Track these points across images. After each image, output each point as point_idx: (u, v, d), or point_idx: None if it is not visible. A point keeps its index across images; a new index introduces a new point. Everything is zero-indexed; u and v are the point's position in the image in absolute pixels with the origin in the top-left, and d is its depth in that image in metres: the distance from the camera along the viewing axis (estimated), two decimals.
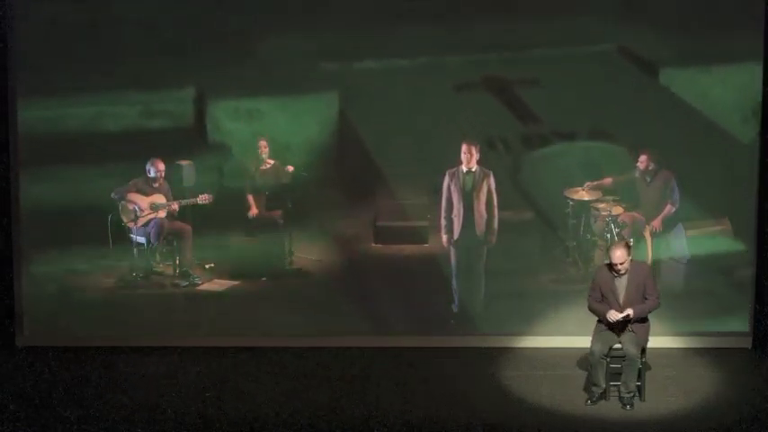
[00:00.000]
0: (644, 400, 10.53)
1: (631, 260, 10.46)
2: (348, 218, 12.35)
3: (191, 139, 12.21)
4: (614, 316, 10.31)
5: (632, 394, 10.44)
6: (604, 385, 10.49)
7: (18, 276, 12.11)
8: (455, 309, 12.11)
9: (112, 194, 12.15)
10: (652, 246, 12.07)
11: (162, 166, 12.19)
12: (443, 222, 11.96)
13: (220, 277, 12.41)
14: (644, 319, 10.48)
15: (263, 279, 12.33)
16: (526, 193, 12.05)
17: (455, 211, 11.90)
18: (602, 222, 12.01)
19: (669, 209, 12.03)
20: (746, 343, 11.93)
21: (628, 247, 10.45)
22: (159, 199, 12.23)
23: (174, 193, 12.29)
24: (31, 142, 12.00)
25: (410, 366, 11.48)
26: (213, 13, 11.92)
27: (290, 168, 12.28)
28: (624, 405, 10.41)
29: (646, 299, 10.41)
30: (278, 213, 12.41)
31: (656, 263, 12.01)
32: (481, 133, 11.97)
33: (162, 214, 12.25)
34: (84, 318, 12.11)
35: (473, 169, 11.85)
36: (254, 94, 12.10)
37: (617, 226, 11.95)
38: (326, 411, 10.37)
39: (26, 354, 11.89)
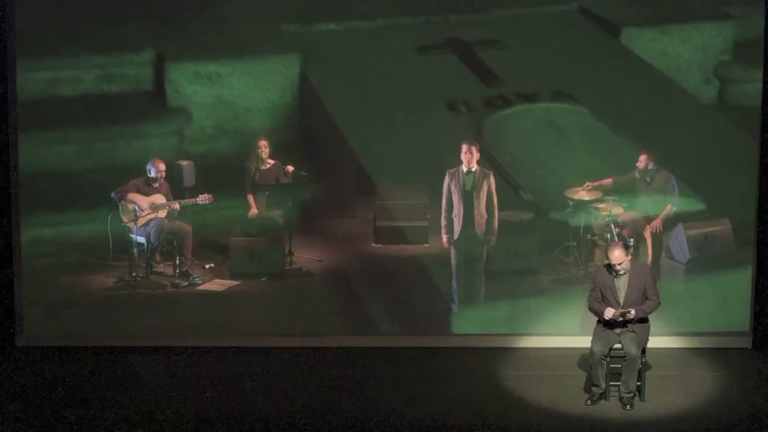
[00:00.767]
0: (644, 401, 10.53)
1: (632, 260, 10.47)
2: (348, 218, 12.35)
3: (150, 104, 12.09)
4: (609, 313, 10.32)
5: (632, 394, 10.44)
6: (604, 385, 10.49)
7: (18, 276, 12.11)
8: (455, 309, 12.11)
9: (112, 194, 12.15)
10: (652, 246, 12.08)
11: (162, 166, 12.19)
12: (443, 222, 11.96)
13: (220, 277, 12.42)
14: (644, 320, 10.48)
15: (263, 279, 12.33)
16: (488, 154, 11.98)
17: (455, 211, 11.90)
18: (603, 222, 12.01)
19: (669, 209, 12.04)
20: (746, 343, 11.93)
21: (626, 247, 10.45)
22: (159, 199, 12.23)
23: (174, 193, 12.30)
24: None
25: (410, 366, 11.48)
26: None
27: (290, 168, 12.28)
28: (624, 405, 10.41)
29: (646, 299, 10.42)
30: (278, 213, 12.41)
31: (656, 263, 12.01)
32: (443, 95, 11.91)
33: (162, 214, 12.25)
34: (84, 318, 12.11)
35: (473, 169, 11.85)
36: (213, 56, 12.00)
37: (617, 226, 11.95)
38: (326, 411, 10.37)
39: (26, 354, 11.89)
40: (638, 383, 10.50)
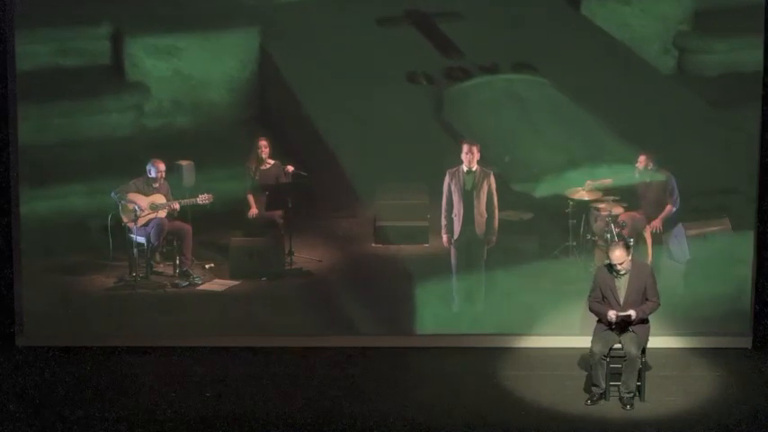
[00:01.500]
0: (644, 401, 10.53)
1: (632, 260, 10.47)
2: (348, 218, 12.34)
3: (108, 78, 12.01)
4: (614, 316, 10.32)
5: (632, 394, 10.44)
6: (604, 385, 10.49)
7: (18, 276, 12.10)
8: (455, 309, 12.11)
9: (113, 194, 12.14)
10: (652, 246, 12.08)
11: (162, 167, 12.18)
12: (444, 222, 11.96)
13: (220, 277, 12.41)
14: (644, 320, 10.48)
15: (263, 279, 12.33)
16: (449, 126, 11.96)
17: (455, 211, 11.90)
18: (602, 222, 12.01)
19: (669, 209, 12.03)
20: (746, 343, 11.93)
21: (627, 247, 10.45)
22: (159, 199, 12.23)
23: (174, 193, 12.30)
24: None
25: (410, 366, 11.48)
26: None
27: (290, 168, 12.28)
28: (624, 405, 10.41)
29: (646, 299, 10.42)
30: (278, 213, 12.40)
31: (656, 263, 12.01)
32: (403, 67, 11.88)
33: (162, 214, 12.25)
34: (84, 318, 12.11)
35: (473, 169, 11.85)
36: (172, 29, 11.91)
37: (617, 226, 11.95)
38: (326, 411, 10.37)
39: (26, 354, 11.89)
40: (638, 383, 10.50)
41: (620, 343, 10.43)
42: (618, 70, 11.86)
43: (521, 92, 11.94)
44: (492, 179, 11.86)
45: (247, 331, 12.07)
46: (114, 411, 10.36)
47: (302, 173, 12.22)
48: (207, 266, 12.49)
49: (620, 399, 10.46)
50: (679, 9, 11.78)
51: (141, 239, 12.26)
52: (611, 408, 10.44)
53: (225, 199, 12.21)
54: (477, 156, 11.82)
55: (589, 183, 11.99)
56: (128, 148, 12.06)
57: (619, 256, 10.32)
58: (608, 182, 12.04)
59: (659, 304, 10.45)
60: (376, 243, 12.37)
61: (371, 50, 11.89)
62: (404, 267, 12.19)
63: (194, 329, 12.09)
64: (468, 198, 11.86)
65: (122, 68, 11.98)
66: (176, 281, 12.38)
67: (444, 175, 11.89)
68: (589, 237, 12.19)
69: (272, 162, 12.32)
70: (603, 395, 10.52)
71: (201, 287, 12.34)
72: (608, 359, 10.46)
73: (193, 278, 12.35)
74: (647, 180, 12.02)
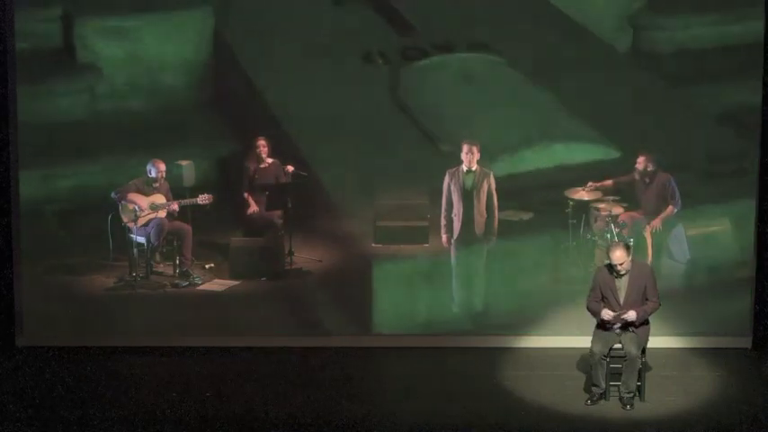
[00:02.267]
0: (644, 401, 10.53)
1: (632, 260, 10.46)
2: (348, 218, 12.34)
3: (59, 61, 11.90)
4: (607, 315, 10.32)
5: (632, 394, 10.44)
6: (604, 386, 10.50)
7: (18, 276, 12.10)
8: (455, 309, 12.11)
9: (113, 194, 12.14)
10: (652, 246, 12.08)
11: (163, 167, 12.18)
12: (443, 222, 11.96)
13: (220, 277, 12.41)
14: (645, 321, 10.48)
15: (263, 279, 12.33)
16: (405, 106, 11.94)
17: (455, 211, 11.90)
18: (602, 222, 12.02)
19: (671, 210, 12.02)
20: (746, 343, 11.93)
21: (627, 247, 10.45)
22: (159, 199, 12.23)
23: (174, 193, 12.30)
24: None
25: (410, 366, 11.48)
26: None
27: (290, 168, 12.27)
28: (624, 405, 10.41)
29: (646, 299, 10.41)
30: (278, 213, 12.40)
31: (656, 263, 12.02)
32: (359, 47, 11.88)
33: (162, 214, 12.25)
34: (85, 318, 12.11)
35: (473, 169, 11.84)
36: (123, 11, 11.81)
37: (617, 226, 11.95)
38: (326, 411, 10.37)
39: (26, 354, 11.89)
40: (638, 383, 10.50)
41: (620, 343, 10.43)
42: (573, 48, 11.82)
43: (476, 71, 11.91)
44: (492, 179, 11.86)
45: (247, 331, 12.07)
46: (114, 411, 10.36)
47: (302, 173, 12.21)
48: (207, 266, 12.49)
49: (620, 399, 10.46)
50: None
51: (141, 239, 12.26)
52: (611, 408, 10.44)
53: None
54: (477, 156, 11.82)
55: (591, 184, 11.98)
56: (79, 133, 11.97)
57: (619, 256, 10.32)
58: (609, 183, 12.04)
59: (660, 304, 10.45)
60: (376, 243, 12.37)
61: (327, 30, 11.84)
62: (404, 267, 12.19)
63: (194, 329, 12.09)
64: (468, 198, 11.86)
65: (73, 51, 11.87)
66: (176, 281, 12.38)
67: (444, 175, 11.90)
68: (589, 237, 12.19)
69: (270, 161, 12.32)
70: (603, 395, 10.52)
71: (201, 287, 12.33)
72: (608, 359, 10.46)
73: (193, 278, 12.35)
74: (647, 181, 12.02)
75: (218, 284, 12.36)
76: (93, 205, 12.06)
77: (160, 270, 12.51)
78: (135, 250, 12.28)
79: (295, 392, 10.84)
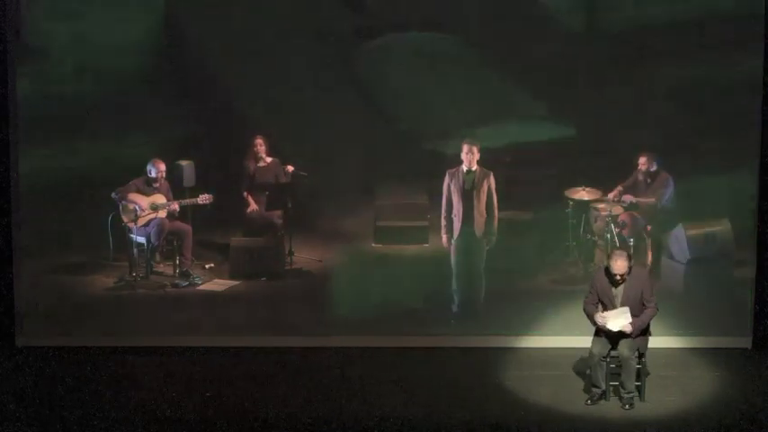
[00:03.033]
0: (644, 401, 10.53)
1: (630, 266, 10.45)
2: (348, 218, 12.34)
3: (6, 43, 11.75)
4: (600, 319, 10.32)
5: (632, 395, 10.44)
6: (604, 386, 10.49)
7: (18, 276, 12.10)
8: (455, 309, 12.11)
9: (113, 194, 12.15)
10: (652, 246, 12.09)
11: (163, 167, 12.19)
12: (443, 222, 11.96)
13: (220, 277, 12.42)
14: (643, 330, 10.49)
15: (263, 279, 12.33)
16: (363, 87, 11.95)
17: (455, 211, 11.90)
18: (602, 222, 12.02)
19: (651, 201, 11.99)
20: (746, 343, 11.93)
21: (630, 257, 10.44)
22: (159, 199, 12.23)
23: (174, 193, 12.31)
24: None
25: (410, 366, 11.48)
26: None
27: (290, 168, 12.28)
28: (624, 405, 10.41)
29: (643, 304, 10.40)
30: (278, 213, 12.40)
31: (657, 263, 12.03)
32: (311, 24, 11.85)
33: (162, 214, 12.25)
34: (84, 318, 12.11)
35: (473, 169, 11.84)
36: None
37: (617, 226, 11.95)
38: (326, 411, 10.37)
39: (26, 354, 11.89)
40: (638, 384, 10.50)
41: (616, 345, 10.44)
42: (526, 26, 11.80)
43: (430, 49, 11.89)
44: (492, 179, 11.86)
45: (247, 331, 12.07)
46: (114, 411, 10.36)
47: (302, 173, 12.21)
48: (207, 266, 12.50)
49: (620, 399, 10.46)
50: None
51: (141, 239, 12.26)
52: (611, 408, 10.44)
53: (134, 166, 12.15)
54: (477, 156, 11.82)
55: (612, 197, 11.98)
56: (28, 116, 11.90)
57: (620, 266, 10.31)
58: (627, 198, 12.01)
59: (657, 310, 10.45)
60: (376, 243, 12.38)
61: (279, 8, 11.81)
62: (404, 267, 12.19)
63: (194, 329, 12.08)
64: (468, 198, 11.85)
65: (22, 33, 11.79)
66: (176, 281, 12.38)
67: (444, 175, 11.90)
68: (589, 237, 12.19)
69: (269, 160, 12.32)
70: (603, 395, 10.52)
71: (201, 287, 12.34)
72: (607, 360, 10.46)
73: (193, 278, 12.35)
74: (648, 181, 12.02)
75: (218, 284, 12.36)
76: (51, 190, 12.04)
77: (160, 270, 12.51)
78: (135, 250, 12.28)
79: (295, 392, 10.84)
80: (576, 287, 11.86)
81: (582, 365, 11.11)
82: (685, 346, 11.84)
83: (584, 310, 10.53)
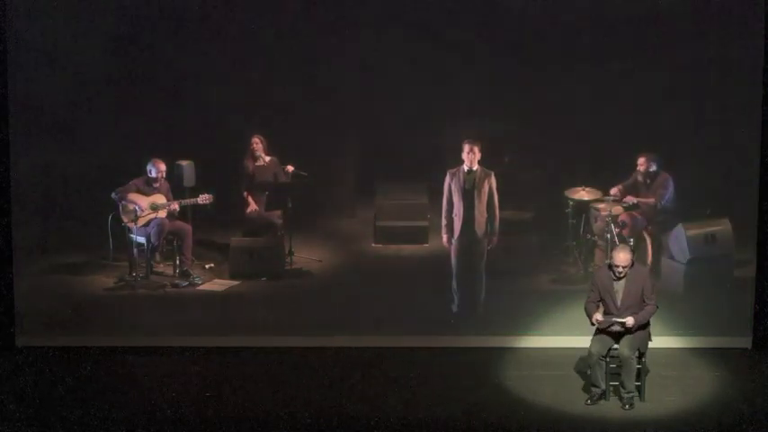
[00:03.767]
0: (644, 401, 10.53)
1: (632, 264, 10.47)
2: (348, 218, 12.34)
3: (6, 43, 11.74)
4: (597, 318, 10.33)
5: (632, 394, 10.44)
6: (604, 386, 10.50)
7: (18, 276, 12.11)
8: (455, 309, 12.11)
9: (113, 194, 12.16)
10: (652, 246, 12.09)
11: (163, 167, 12.19)
12: (444, 222, 11.96)
13: (220, 277, 12.42)
14: (643, 325, 10.48)
15: (263, 279, 12.33)
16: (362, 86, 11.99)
17: (456, 211, 11.90)
18: (602, 222, 12.02)
19: (651, 200, 12.00)
20: (746, 343, 11.93)
21: (633, 251, 10.47)
22: (159, 199, 12.24)
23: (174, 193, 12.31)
24: None
25: (410, 366, 11.48)
26: None
27: (290, 168, 12.28)
28: (624, 405, 10.41)
29: (644, 302, 10.41)
30: (277, 213, 12.41)
31: (657, 263, 12.03)
32: (311, 24, 11.86)
33: (162, 214, 12.26)
34: (85, 318, 12.11)
35: (474, 169, 11.84)
36: None
37: (617, 226, 11.96)
38: (326, 411, 10.38)
39: (26, 354, 11.89)
40: (638, 383, 10.50)
41: (616, 345, 10.44)
42: (525, 24, 11.79)
43: (431, 48, 11.83)
44: (493, 179, 11.86)
45: (247, 331, 12.07)
46: (114, 411, 10.36)
47: (302, 173, 12.22)
48: (207, 266, 12.50)
49: (620, 399, 10.46)
50: None
51: (141, 239, 12.27)
52: (611, 408, 10.45)
53: (134, 166, 12.19)
54: (478, 155, 11.82)
55: (614, 198, 11.97)
56: (28, 116, 11.89)
57: (623, 258, 10.32)
58: (630, 199, 12.02)
59: (657, 307, 10.45)
60: (376, 243, 12.38)
61: (278, 7, 11.84)
62: (404, 267, 12.20)
63: (194, 329, 12.09)
64: (469, 198, 11.86)
65: (21, 32, 11.74)
66: (176, 281, 12.39)
67: (444, 174, 11.91)
68: (589, 237, 12.20)
69: (268, 158, 12.33)
70: (603, 395, 10.53)
71: (201, 287, 12.34)
72: (607, 359, 10.46)
73: (193, 278, 12.35)
74: (648, 182, 12.03)
75: (218, 284, 12.37)
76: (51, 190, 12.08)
77: (160, 270, 12.52)
78: (135, 250, 12.28)
79: (295, 392, 10.84)
80: (576, 287, 11.87)
81: (582, 365, 11.11)
82: (685, 346, 11.84)
83: (585, 309, 10.54)
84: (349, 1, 11.93)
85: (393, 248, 12.34)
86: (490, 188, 11.86)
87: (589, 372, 10.57)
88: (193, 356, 11.78)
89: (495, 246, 11.95)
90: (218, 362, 11.64)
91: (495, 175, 11.87)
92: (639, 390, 10.53)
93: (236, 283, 12.34)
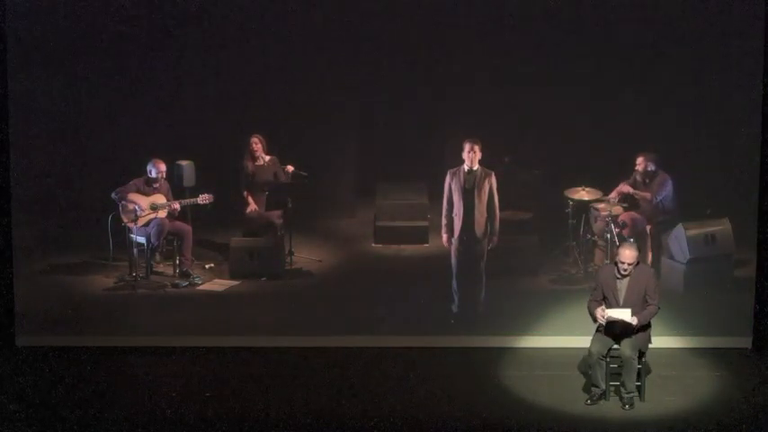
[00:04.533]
0: (644, 401, 10.53)
1: (637, 263, 10.47)
2: (348, 218, 12.34)
3: (6, 43, 11.72)
4: (601, 314, 10.33)
5: (632, 394, 10.44)
6: (604, 386, 10.50)
7: (18, 276, 12.11)
8: (455, 309, 12.11)
9: (113, 194, 12.16)
10: (652, 246, 12.09)
11: (163, 167, 12.19)
12: (444, 222, 11.95)
13: (220, 277, 12.42)
14: (644, 325, 10.48)
15: (263, 279, 12.33)
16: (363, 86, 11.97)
17: (456, 211, 11.90)
18: (602, 222, 12.02)
19: (648, 195, 12.00)
20: (746, 343, 11.93)
21: (637, 249, 10.48)
22: (159, 199, 12.24)
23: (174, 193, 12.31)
24: None
25: (410, 366, 11.48)
26: None
27: (290, 168, 12.28)
28: (624, 405, 10.41)
29: (646, 302, 10.41)
30: (277, 213, 12.41)
31: (657, 263, 12.03)
32: (311, 24, 11.85)
33: (162, 214, 12.26)
34: (85, 318, 12.11)
35: (474, 168, 11.84)
36: None
37: (617, 226, 11.96)
38: (326, 411, 10.38)
39: (26, 354, 11.89)
40: (638, 383, 10.50)
41: (617, 344, 10.43)
42: (524, 24, 11.78)
43: (430, 47, 11.86)
44: (493, 179, 11.86)
45: (247, 331, 12.07)
46: (114, 411, 10.36)
47: (302, 173, 12.22)
48: (207, 266, 12.50)
49: (621, 399, 10.46)
50: None
51: (141, 239, 12.27)
52: (611, 408, 10.45)
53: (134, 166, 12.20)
54: (478, 155, 11.81)
55: (613, 196, 11.98)
56: (28, 116, 11.87)
57: (629, 255, 10.33)
58: (627, 189, 12.02)
59: (659, 308, 10.45)
60: (376, 243, 12.38)
61: (278, 7, 11.84)
62: (404, 267, 12.20)
63: (194, 329, 12.08)
64: (469, 197, 11.85)
65: (21, 32, 11.71)
66: (176, 281, 12.39)
67: (445, 174, 11.91)
68: (589, 237, 12.20)
69: (267, 158, 12.33)
70: (603, 395, 10.53)
71: (201, 287, 12.34)
72: (607, 359, 10.46)
73: (193, 278, 12.35)
74: (647, 181, 12.03)
75: (218, 284, 12.37)
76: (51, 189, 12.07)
77: (160, 270, 12.52)
78: (135, 250, 12.28)
79: (295, 392, 10.84)
80: (576, 287, 11.88)
81: (582, 365, 11.11)
82: (685, 346, 11.84)
83: (588, 307, 10.54)
84: (349, 1, 11.93)
85: (393, 248, 12.35)
86: (490, 188, 11.86)
87: (589, 372, 10.57)
88: (193, 356, 11.78)
89: (495, 246, 11.95)
90: (218, 362, 11.63)
91: (496, 175, 11.86)
92: (640, 390, 10.53)
93: (236, 283, 12.34)
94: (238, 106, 12.04)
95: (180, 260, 12.39)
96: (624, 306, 10.37)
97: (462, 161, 11.83)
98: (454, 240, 11.95)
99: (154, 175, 12.20)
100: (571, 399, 10.64)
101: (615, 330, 10.39)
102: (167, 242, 12.45)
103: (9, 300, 12.09)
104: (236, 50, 11.94)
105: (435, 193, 12.02)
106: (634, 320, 10.29)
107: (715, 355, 11.66)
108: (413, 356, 11.72)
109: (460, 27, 11.84)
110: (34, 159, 12.02)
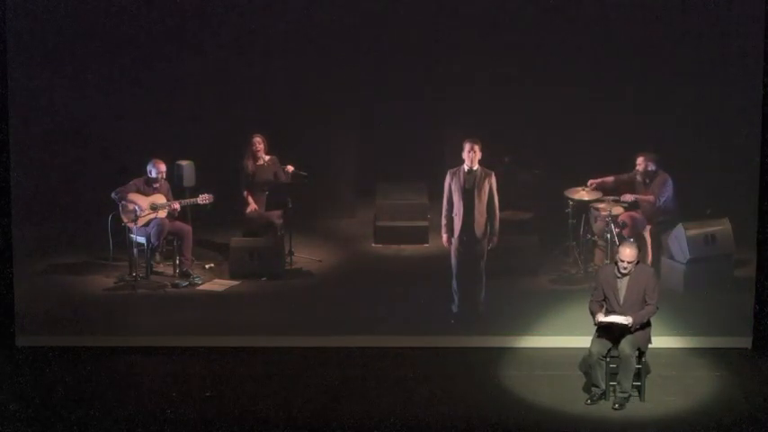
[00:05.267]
0: (644, 401, 10.53)
1: (637, 263, 10.47)
2: (348, 218, 12.34)
3: (6, 43, 11.72)
4: (600, 318, 10.33)
5: (627, 395, 10.43)
6: (604, 386, 10.50)
7: (18, 276, 12.11)
8: (455, 309, 12.11)
9: (113, 194, 12.15)
10: (652, 246, 12.09)
11: (163, 167, 12.19)
12: (444, 222, 11.95)
13: (220, 277, 12.42)
14: (644, 324, 10.48)
15: (263, 279, 12.33)
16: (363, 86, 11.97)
17: (456, 211, 11.89)
18: (602, 222, 12.02)
19: (650, 198, 12.00)
20: (746, 343, 11.93)
21: (638, 248, 10.48)
22: (159, 199, 12.23)
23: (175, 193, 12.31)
24: None
25: (410, 366, 11.49)
26: None
27: (290, 168, 12.28)
28: (614, 404, 10.39)
29: (645, 301, 10.41)
30: (277, 213, 12.41)
31: (657, 263, 12.03)
32: (311, 24, 11.84)
33: (162, 214, 12.26)
34: (85, 318, 12.11)
35: (474, 168, 11.84)
36: None
37: (617, 226, 11.96)
38: (326, 411, 10.38)
39: (26, 354, 11.89)
40: (638, 384, 10.50)
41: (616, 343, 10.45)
42: (525, 24, 11.76)
43: (431, 47, 11.84)
44: (493, 179, 11.86)
45: (247, 331, 12.07)
46: (114, 411, 10.37)
47: (302, 173, 12.22)
48: (207, 266, 12.50)
49: (615, 398, 10.46)
50: None
51: (141, 239, 12.26)
52: (611, 408, 10.44)
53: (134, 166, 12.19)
54: (478, 155, 11.81)
55: (591, 181, 11.98)
56: (28, 116, 11.87)
57: (629, 254, 10.33)
58: (609, 180, 12.04)
59: (657, 308, 10.45)
60: (376, 243, 12.38)
61: (278, 7, 11.82)
62: (404, 267, 12.20)
63: (194, 329, 12.08)
64: (469, 197, 11.85)
65: (21, 32, 11.71)
66: (176, 281, 12.39)
67: (445, 174, 11.91)
68: (589, 237, 12.19)
69: (268, 158, 12.33)
70: (603, 395, 10.53)
71: (201, 287, 12.34)
72: (607, 359, 10.46)
73: (193, 278, 12.35)
74: (647, 181, 12.03)
75: (218, 284, 12.36)
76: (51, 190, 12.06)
77: (160, 270, 12.52)
78: (135, 250, 12.28)
79: (295, 392, 10.84)
80: (576, 287, 11.88)
81: (582, 365, 11.11)
82: (685, 346, 11.84)
83: (589, 308, 10.54)
84: (349, 1, 11.93)
85: (393, 248, 12.34)
86: (490, 188, 11.86)
87: (589, 372, 10.57)
88: (193, 356, 11.78)
89: (495, 246, 11.94)
90: (218, 362, 11.63)
91: (495, 175, 11.86)
92: (639, 390, 10.53)
93: (236, 283, 12.34)
94: (239, 106, 12.03)
95: (180, 260, 12.39)
96: (624, 305, 10.38)
97: (462, 161, 11.84)
98: (454, 240, 11.95)
99: (154, 175, 12.20)
100: (571, 399, 10.64)
101: (613, 332, 10.39)
102: (167, 242, 12.45)
103: (9, 300, 12.10)
104: (237, 50, 11.94)
105: (435, 193, 12.02)
106: (629, 320, 10.29)
107: (715, 355, 11.66)
108: (413, 356, 11.73)
109: (460, 27, 11.84)
110: (34, 159, 12.02)
